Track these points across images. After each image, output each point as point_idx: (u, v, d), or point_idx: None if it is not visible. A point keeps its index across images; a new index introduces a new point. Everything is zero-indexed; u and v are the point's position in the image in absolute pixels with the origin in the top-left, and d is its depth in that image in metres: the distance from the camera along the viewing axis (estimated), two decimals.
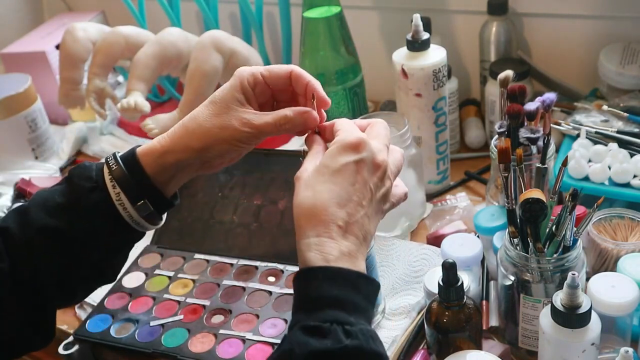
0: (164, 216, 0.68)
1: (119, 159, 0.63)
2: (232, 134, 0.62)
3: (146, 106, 0.98)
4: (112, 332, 0.85)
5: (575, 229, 0.68)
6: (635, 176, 0.84)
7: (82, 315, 0.90)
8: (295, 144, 1.18)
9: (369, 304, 0.56)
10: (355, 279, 0.55)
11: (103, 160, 0.64)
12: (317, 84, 0.64)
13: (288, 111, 0.63)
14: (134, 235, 0.66)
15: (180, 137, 0.63)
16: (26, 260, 0.62)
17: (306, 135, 0.64)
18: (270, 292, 0.87)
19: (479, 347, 0.73)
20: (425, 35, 0.93)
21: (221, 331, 0.82)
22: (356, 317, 0.53)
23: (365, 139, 0.58)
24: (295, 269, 0.90)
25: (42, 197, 0.64)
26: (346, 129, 0.60)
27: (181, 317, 0.86)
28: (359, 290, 0.55)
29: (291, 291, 0.86)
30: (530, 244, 0.69)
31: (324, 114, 0.64)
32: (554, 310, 0.63)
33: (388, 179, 0.60)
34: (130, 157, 0.63)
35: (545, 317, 0.65)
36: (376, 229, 0.60)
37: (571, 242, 0.68)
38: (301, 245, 0.56)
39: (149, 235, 1.02)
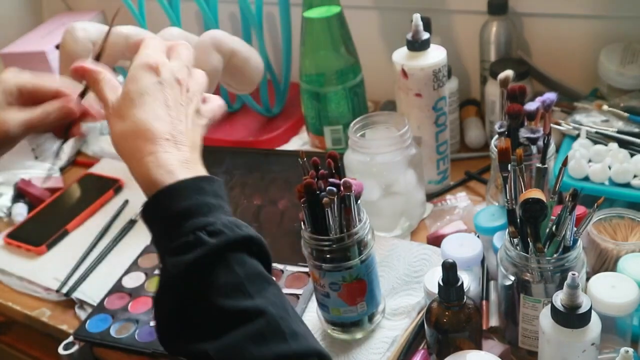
0: None
1: None
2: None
3: None
4: (112, 332, 0.85)
5: (575, 229, 0.68)
6: (635, 176, 0.84)
7: (82, 315, 0.90)
8: (295, 144, 1.18)
9: (220, 199, 0.57)
10: (196, 183, 0.56)
11: None
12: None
13: (50, 102, 0.68)
14: None
15: None
16: None
17: (80, 64, 0.65)
18: None
19: (479, 347, 0.73)
20: (425, 35, 0.93)
21: None
22: (214, 215, 0.55)
23: (162, 60, 0.61)
24: (296, 268, 0.90)
25: None
26: (145, 52, 0.62)
27: None
28: (205, 191, 0.56)
29: (291, 291, 0.87)
30: (530, 244, 0.69)
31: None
32: (554, 310, 0.63)
33: (194, 95, 0.63)
34: None
35: (545, 317, 0.65)
36: (201, 140, 0.63)
37: (571, 242, 0.68)
38: (136, 168, 0.58)
39: (149, 235, 1.01)
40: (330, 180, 0.71)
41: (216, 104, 0.67)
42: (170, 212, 0.55)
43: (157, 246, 0.58)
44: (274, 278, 0.89)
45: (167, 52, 0.64)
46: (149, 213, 0.58)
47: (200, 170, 0.59)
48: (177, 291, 0.53)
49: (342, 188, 0.69)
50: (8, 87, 0.67)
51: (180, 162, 0.57)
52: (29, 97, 0.68)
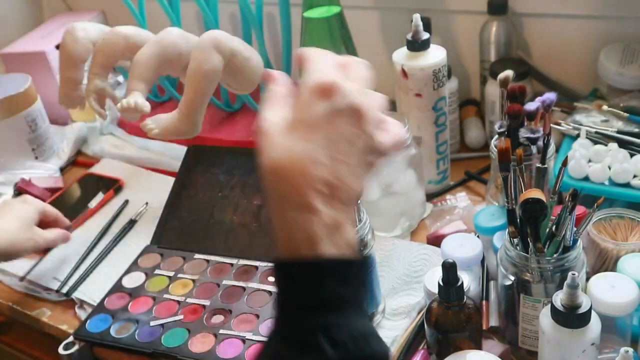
0: None
1: None
2: (31, 246, 0.91)
3: (146, 106, 0.98)
4: (112, 332, 0.85)
5: (575, 229, 0.68)
6: (635, 176, 0.84)
7: (82, 315, 0.90)
8: None
9: (358, 290, 0.49)
10: (337, 267, 0.48)
11: None
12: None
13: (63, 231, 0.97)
14: None
15: None
16: None
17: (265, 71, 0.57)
18: (270, 292, 0.87)
19: (479, 347, 0.73)
20: (425, 35, 0.93)
21: (221, 331, 0.82)
22: (345, 315, 0.47)
23: (338, 83, 0.49)
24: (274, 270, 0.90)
25: None
26: (316, 68, 0.52)
27: (181, 317, 0.86)
28: (344, 279, 0.48)
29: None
30: (530, 244, 0.69)
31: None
32: (554, 310, 0.63)
33: (369, 125, 0.51)
34: None
35: (545, 317, 0.65)
36: (364, 187, 0.51)
37: (571, 242, 0.68)
38: (277, 220, 0.50)
39: (149, 235, 1.02)
40: None
41: (395, 134, 0.53)
42: (298, 292, 0.48)
43: (275, 303, 0.50)
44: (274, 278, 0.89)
45: (341, 69, 0.53)
46: (279, 270, 0.51)
47: (349, 234, 0.49)
48: None
49: None
50: (38, 210, 0.94)
51: (328, 228, 0.48)
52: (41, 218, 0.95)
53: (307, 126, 0.49)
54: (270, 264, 0.91)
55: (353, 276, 0.49)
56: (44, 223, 0.95)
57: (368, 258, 0.51)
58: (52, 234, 0.94)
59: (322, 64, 0.52)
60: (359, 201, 0.54)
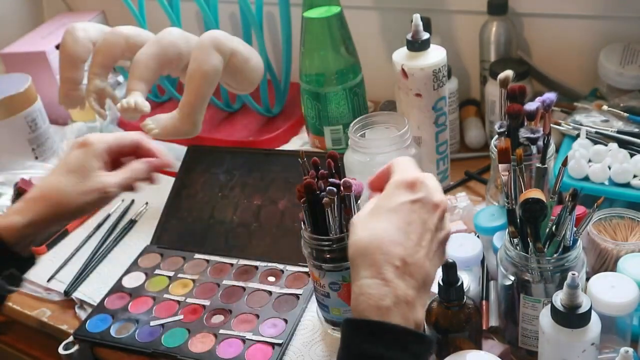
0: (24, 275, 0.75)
1: None
2: (95, 198, 0.73)
3: (146, 106, 0.98)
4: (112, 332, 0.85)
5: (575, 229, 0.68)
6: (635, 176, 0.84)
7: (82, 315, 0.91)
8: (295, 144, 1.18)
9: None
10: (404, 336, 0.51)
11: None
12: (160, 152, 0.78)
13: (137, 163, 0.77)
14: None
15: (42, 209, 0.71)
16: None
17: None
18: (270, 292, 0.87)
19: (479, 347, 0.73)
20: (425, 35, 0.93)
21: (221, 331, 0.82)
22: None
23: (421, 178, 0.56)
24: (296, 268, 0.90)
25: None
26: (402, 169, 0.59)
27: (181, 317, 0.86)
28: (407, 349, 0.50)
29: (291, 291, 0.87)
30: (530, 244, 0.69)
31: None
32: (554, 310, 0.63)
33: (447, 220, 0.58)
34: None
35: (545, 317, 0.65)
36: (436, 276, 0.56)
37: (571, 242, 0.68)
38: (354, 287, 0.54)
39: (149, 235, 1.02)
40: (330, 180, 0.71)
41: (449, 231, 0.59)
42: (364, 348, 0.50)
43: (338, 354, 0.53)
44: (274, 278, 0.89)
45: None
46: (350, 325, 0.53)
47: (418, 315, 0.53)
48: None
49: (342, 188, 0.69)
50: (99, 152, 0.74)
51: (398, 298, 0.51)
52: (114, 156, 0.77)
53: (387, 209, 0.55)
54: (269, 264, 0.91)
55: (414, 349, 0.51)
56: (118, 159, 0.78)
57: (430, 337, 0.55)
58: (116, 177, 0.75)
59: (407, 165, 0.59)
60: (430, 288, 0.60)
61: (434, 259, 0.56)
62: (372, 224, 0.55)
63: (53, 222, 0.73)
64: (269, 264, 0.92)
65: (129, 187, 0.76)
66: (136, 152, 0.79)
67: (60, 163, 0.75)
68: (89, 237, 1.05)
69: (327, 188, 0.69)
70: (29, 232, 0.71)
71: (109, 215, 1.09)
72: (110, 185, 0.74)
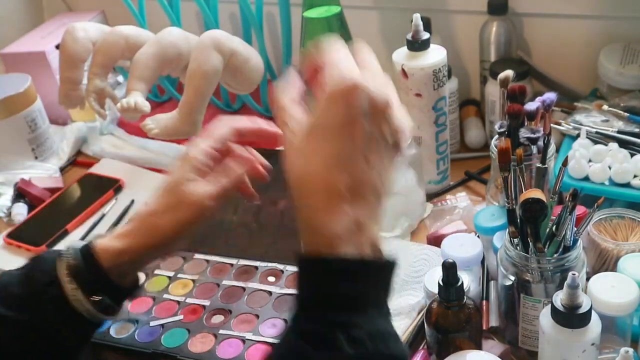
0: (122, 305, 0.66)
1: (77, 251, 0.62)
2: (189, 216, 0.63)
3: (146, 106, 0.98)
4: (112, 332, 0.85)
5: (575, 229, 0.68)
6: (635, 176, 0.84)
7: None
8: None
9: (378, 288, 0.49)
10: (363, 266, 0.48)
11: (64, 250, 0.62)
12: (262, 124, 0.68)
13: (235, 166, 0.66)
14: (92, 327, 0.64)
15: (141, 235, 0.62)
16: None
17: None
18: (270, 292, 0.87)
19: (479, 347, 0.73)
20: (425, 35, 0.93)
21: (221, 331, 0.82)
22: (364, 314, 0.47)
23: (358, 83, 0.49)
24: (296, 268, 0.90)
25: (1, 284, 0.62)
26: (335, 74, 0.51)
27: (181, 317, 0.86)
28: (366, 279, 0.48)
29: (291, 291, 0.87)
30: (530, 244, 0.69)
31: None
32: (554, 310, 0.63)
33: (395, 118, 0.51)
34: (87, 252, 0.62)
35: (545, 317, 0.65)
36: (389, 182, 0.51)
37: (571, 242, 0.68)
38: (304, 225, 0.50)
39: None
40: None
41: (406, 124, 0.53)
42: (323, 288, 0.48)
43: (295, 298, 0.50)
44: (274, 278, 0.89)
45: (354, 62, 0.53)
46: (304, 267, 0.50)
47: (374, 235, 0.49)
48: None
49: None
50: (196, 165, 0.64)
51: (350, 229, 0.48)
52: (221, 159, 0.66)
53: (328, 132, 0.49)
54: (269, 264, 0.91)
55: (373, 276, 0.49)
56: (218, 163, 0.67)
57: (390, 259, 0.50)
58: (206, 186, 0.64)
59: (339, 62, 0.52)
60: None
61: (385, 168, 0.51)
62: (308, 149, 0.50)
63: (151, 252, 0.64)
64: (269, 264, 0.92)
65: (228, 194, 0.66)
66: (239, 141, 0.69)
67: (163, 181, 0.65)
68: (89, 237, 1.05)
69: None
70: (125, 259, 0.62)
71: (103, 215, 1.09)
72: (205, 198, 0.63)
